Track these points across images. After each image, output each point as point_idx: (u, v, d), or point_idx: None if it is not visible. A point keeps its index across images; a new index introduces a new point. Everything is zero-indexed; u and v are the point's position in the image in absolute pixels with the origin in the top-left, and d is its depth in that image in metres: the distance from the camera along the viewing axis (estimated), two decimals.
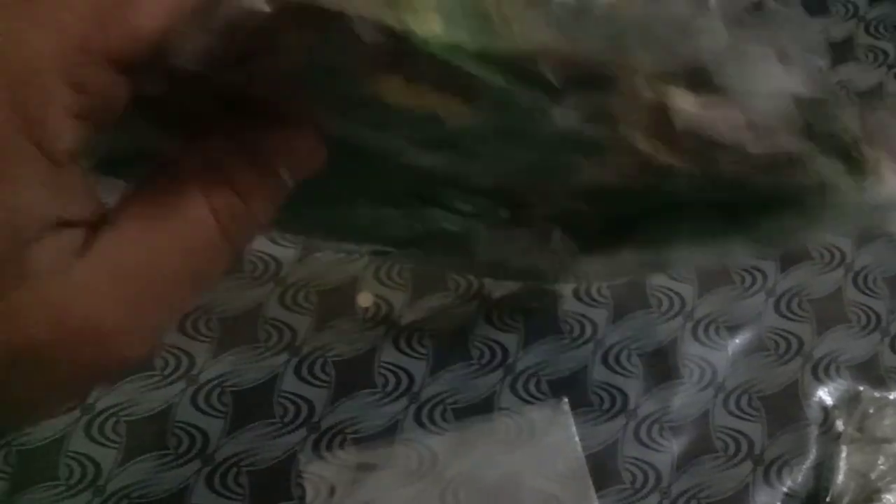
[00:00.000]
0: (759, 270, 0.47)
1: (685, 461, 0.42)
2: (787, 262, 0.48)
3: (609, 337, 0.44)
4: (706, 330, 0.45)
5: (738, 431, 0.43)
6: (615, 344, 0.44)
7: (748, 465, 0.42)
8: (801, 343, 0.45)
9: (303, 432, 0.40)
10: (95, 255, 0.20)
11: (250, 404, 0.40)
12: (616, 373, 0.43)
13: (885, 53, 0.55)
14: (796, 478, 0.42)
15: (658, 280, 0.46)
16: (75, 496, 0.38)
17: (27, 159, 0.19)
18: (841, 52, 0.55)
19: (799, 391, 0.44)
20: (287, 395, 0.41)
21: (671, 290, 0.46)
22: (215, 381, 0.41)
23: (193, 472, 0.39)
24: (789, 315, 0.46)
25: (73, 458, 0.38)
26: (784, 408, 0.44)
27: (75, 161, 0.20)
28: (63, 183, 0.19)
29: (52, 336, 0.19)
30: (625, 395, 0.43)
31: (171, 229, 0.21)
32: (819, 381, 0.44)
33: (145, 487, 0.38)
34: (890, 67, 0.55)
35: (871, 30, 0.56)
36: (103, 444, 0.39)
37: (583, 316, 0.44)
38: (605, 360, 0.44)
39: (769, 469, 0.42)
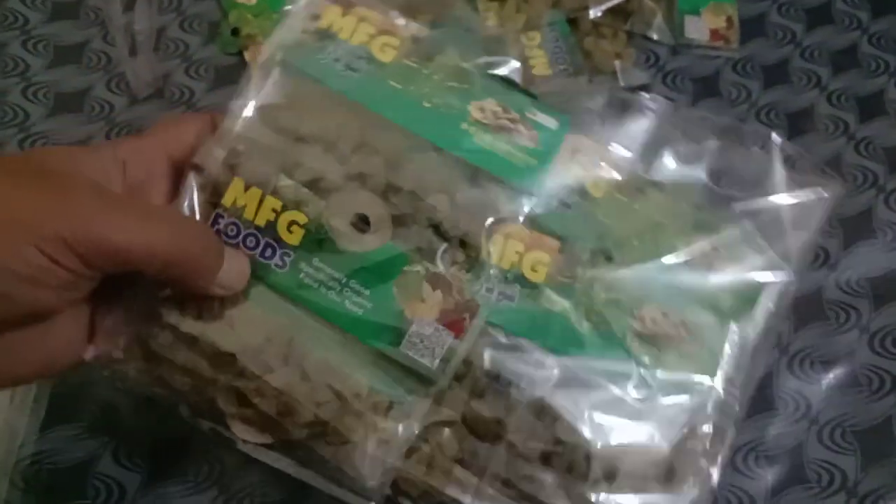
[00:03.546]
0: (853, 308, 0.49)
1: (780, 490, 0.43)
2: (881, 300, 0.49)
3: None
4: (801, 364, 0.47)
5: (832, 464, 0.44)
6: None
7: (842, 496, 0.43)
8: (894, 380, 0.46)
9: None
10: None
11: None
12: None
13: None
14: None
15: None
16: None
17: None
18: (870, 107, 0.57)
19: (893, 427, 0.45)
20: None
21: None
22: None
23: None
24: (883, 352, 0.47)
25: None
26: (878, 442, 0.45)
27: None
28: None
29: None
30: None
31: None
32: None
33: None
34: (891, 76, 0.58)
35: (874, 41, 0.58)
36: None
37: None
38: None
39: (863, 502, 0.43)
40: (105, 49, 0.56)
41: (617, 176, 0.36)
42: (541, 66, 0.54)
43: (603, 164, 0.36)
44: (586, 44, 0.56)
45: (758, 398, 0.45)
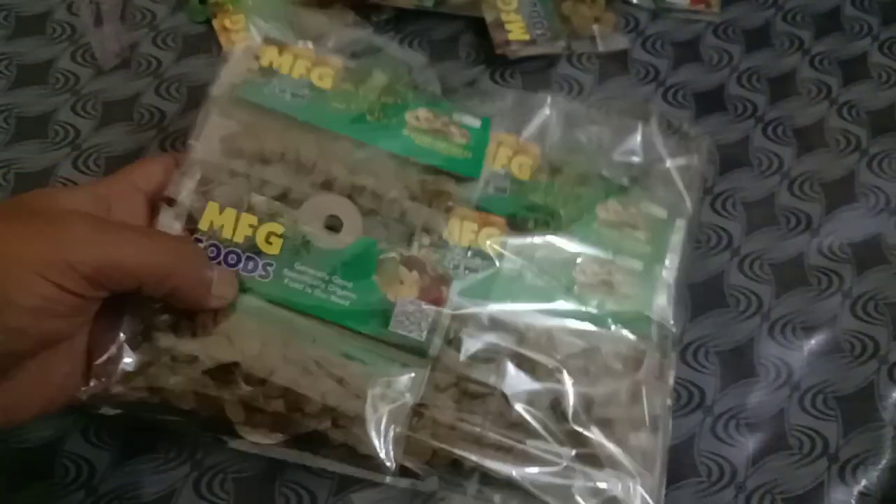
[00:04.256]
0: (835, 273, 0.48)
1: (760, 457, 0.43)
2: (864, 265, 0.48)
3: (687, 334, 0.45)
4: (783, 330, 0.46)
5: (814, 430, 0.44)
6: (693, 341, 0.45)
7: (823, 463, 0.43)
8: (877, 346, 0.46)
9: None
10: None
11: None
12: (694, 369, 0.45)
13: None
14: (872, 477, 0.43)
15: (736, 280, 0.47)
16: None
17: None
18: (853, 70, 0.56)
19: (875, 393, 0.45)
20: None
21: (749, 290, 0.47)
22: None
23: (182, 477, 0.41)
24: (865, 318, 0.47)
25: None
26: (859, 408, 0.44)
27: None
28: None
29: None
30: (702, 392, 0.44)
31: None
32: (895, 383, 0.45)
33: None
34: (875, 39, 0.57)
35: (885, 49, 0.57)
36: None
37: None
38: (682, 357, 0.45)
39: (844, 468, 0.43)
40: (69, 19, 0.54)
41: (534, 162, 0.42)
42: (518, 31, 0.52)
43: (522, 153, 0.42)
44: (564, 8, 0.55)
45: (737, 365, 0.45)
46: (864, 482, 0.43)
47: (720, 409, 0.44)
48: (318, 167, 0.38)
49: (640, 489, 0.37)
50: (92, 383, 0.34)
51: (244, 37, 0.49)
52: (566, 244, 0.41)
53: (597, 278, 0.40)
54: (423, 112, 0.41)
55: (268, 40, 0.41)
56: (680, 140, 0.44)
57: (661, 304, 0.40)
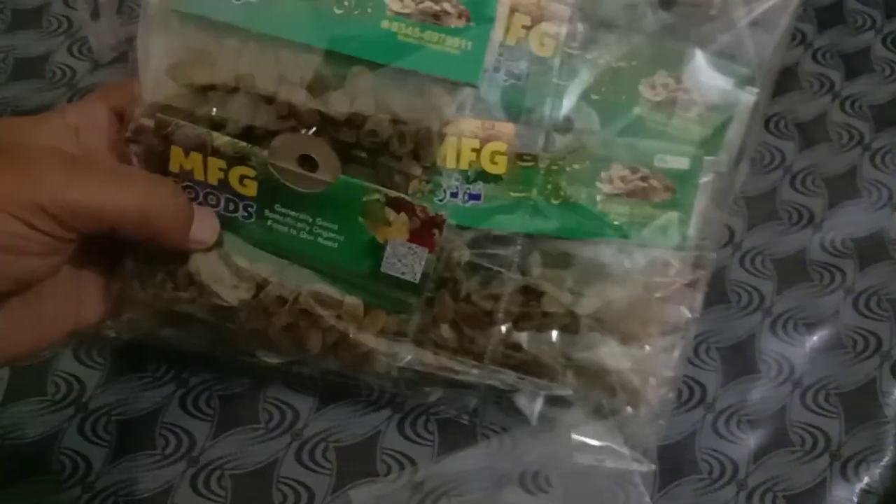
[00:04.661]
0: (837, 268, 0.47)
1: (762, 454, 0.43)
2: (866, 260, 0.48)
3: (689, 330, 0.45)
4: (784, 326, 0.46)
5: (816, 427, 0.43)
6: (694, 337, 0.45)
7: (825, 459, 0.43)
8: (879, 341, 0.46)
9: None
10: None
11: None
12: (695, 366, 0.44)
13: None
14: (874, 474, 0.42)
15: (738, 275, 0.47)
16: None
17: None
18: (855, 64, 0.55)
19: (877, 389, 0.44)
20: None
21: (750, 285, 0.47)
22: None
23: (179, 473, 0.41)
24: (868, 313, 0.46)
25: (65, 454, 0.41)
26: (861, 405, 0.44)
27: None
28: None
29: None
30: (703, 388, 0.44)
31: None
32: None
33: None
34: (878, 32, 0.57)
35: (888, 43, 0.56)
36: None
37: None
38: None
39: (846, 465, 0.42)
40: (66, 13, 0.54)
41: (563, 28, 0.32)
42: None
43: (545, 18, 0.33)
44: None
45: (739, 361, 0.45)
46: (866, 479, 0.42)
47: (721, 406, 0.44)
48: (280, 97, 0.32)
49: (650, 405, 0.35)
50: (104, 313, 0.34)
51: None
52: (592, 149, 0.34)
53: (627, 187, 0.34)
54: None
55: None
56: None
57: (708, 204, 0.34)
